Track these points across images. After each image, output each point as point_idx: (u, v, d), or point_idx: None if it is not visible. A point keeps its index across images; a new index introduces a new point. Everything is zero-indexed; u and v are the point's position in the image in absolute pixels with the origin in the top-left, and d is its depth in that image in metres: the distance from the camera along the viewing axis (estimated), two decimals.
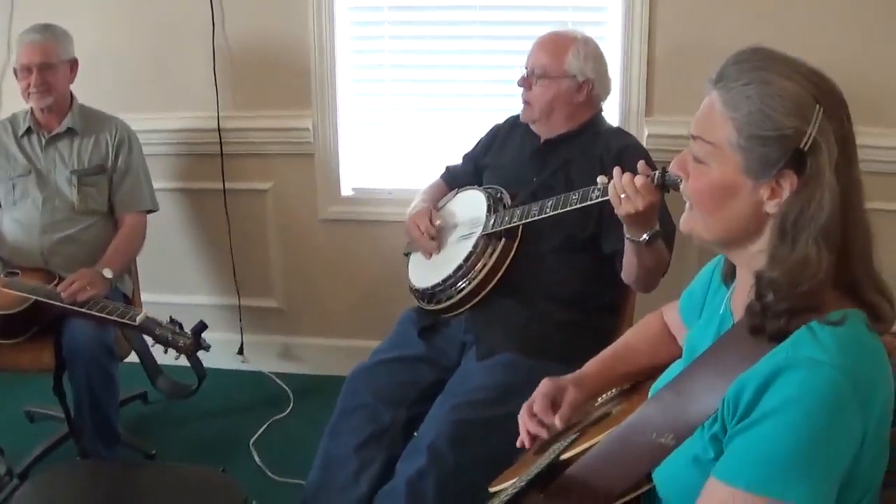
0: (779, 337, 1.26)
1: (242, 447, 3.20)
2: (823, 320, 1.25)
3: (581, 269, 2.55)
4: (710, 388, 1.34)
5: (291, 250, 3.65)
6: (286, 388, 3.62)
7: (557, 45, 2.60)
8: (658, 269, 2.36)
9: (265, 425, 3.34)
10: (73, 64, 2.98)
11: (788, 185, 1.27)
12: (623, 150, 2.55)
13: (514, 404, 2.30)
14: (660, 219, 2.21)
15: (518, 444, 1.73)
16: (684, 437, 1.37)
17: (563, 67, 2.57)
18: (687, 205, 1.41)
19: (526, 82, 2.62)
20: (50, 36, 2.88)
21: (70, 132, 2.99)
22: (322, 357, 3.73)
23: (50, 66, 2.89)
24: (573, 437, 1.66)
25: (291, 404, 3.51)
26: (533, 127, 2.67)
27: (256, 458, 3.12)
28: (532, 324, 2.49)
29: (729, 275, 1.50)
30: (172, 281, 3.56)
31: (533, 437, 1.72)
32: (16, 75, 2.95)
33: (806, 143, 1.25)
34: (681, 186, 1.41)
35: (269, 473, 3.03)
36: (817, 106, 1.26)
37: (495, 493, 1.70)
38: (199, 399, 3.08)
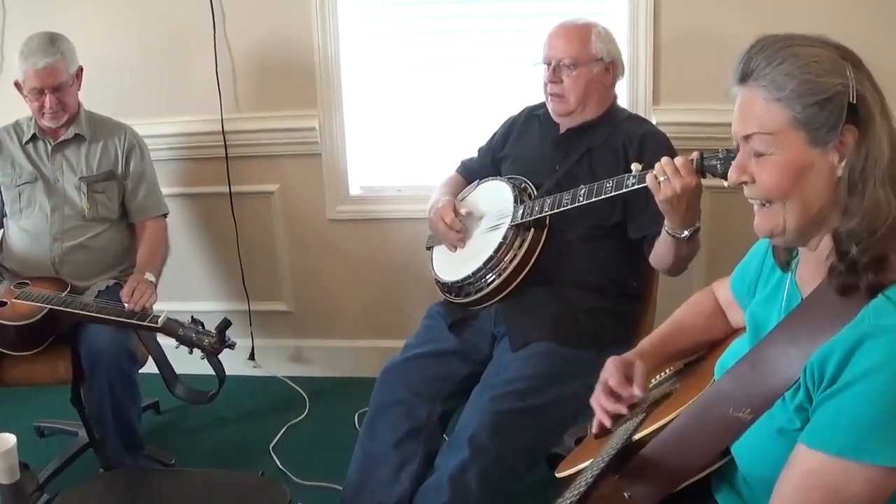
0: (873, 290, 1.28)
1: (262, 453, 3.15)
2: None
3: (608, 256, 2.55)
4: (787, 360, 1.36)
5: (300, 252, 3.61)
6: (301, 391, 3.58)
7: (579, 31, 2.59)
8: (691, 258, 2.38)
9: (283, 430, 3.29)
10: (80, 73, 2.91)
11: (852, 139, 1.30)
12: (645, 137, 2.56)
13: (552, 393, 2.34)
14: None
15: (594, 430, 1.71)
16: (762, 410, 1.38)
17: (592, 52, 2.56)
18: (756, 208, 1.41)
19: (556, 76, 2.58)
20: (57, 53, 2.78)
21: (77, 138, 2.93)
22: (334, 359, 3.69)
23: (63, 86, 2.82)
24: (640, 417, 1.65)
25: (307, 407, 3.46)
26: (565, 119, 2.64)
27: (278, 463, 3.08)
28: (563, 312, 2.48)
29: (784, 262, 1.52)
30: (180, 288, 3.49)
31: (613, 418, 1.70)
32: (18, 88, 2.86)
33: (853, 95, 1.29)
34: (746, 191, 1.41)
35: (294, 477, 2.98)
36: (845, 62, 1.31)
37: (564, 478, 1.68)
38: (213, 406, 3.05)
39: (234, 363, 3.51)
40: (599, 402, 1.72)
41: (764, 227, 1.40)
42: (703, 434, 1.47)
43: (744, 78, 1.35)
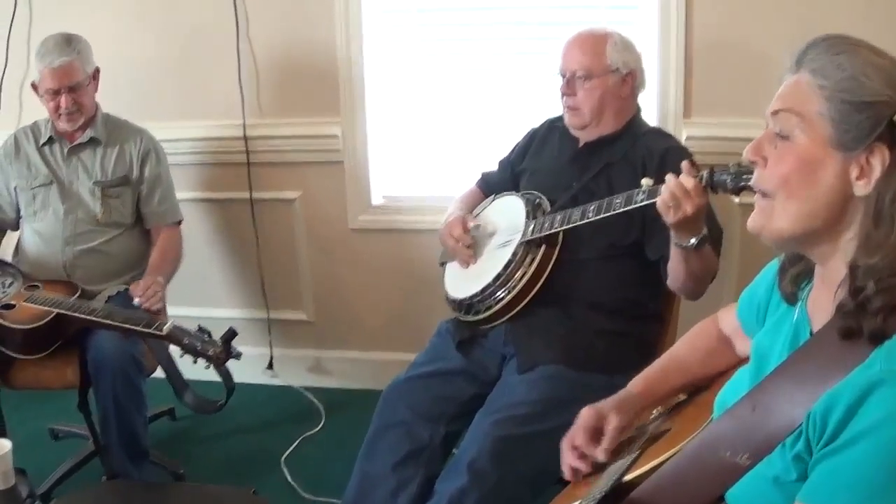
0: (876, 338, 1.16)
1: (273, 465, 3.10)
2: None
3: (624, 277, 2.44)
4: (790, 403, 1.24)
5: (321, 261, 3.56)
6: (317, 402, 3.52)
7: (594, 42, 2.50)
8: (706, 276, 2.26)
9: (296, 442, 3.24)
10: (96, 73, 2.89)
11: (880, 161, 1.18)
12: (666, 153, 2.45)
13: (558, 419, 2.20)
14: (706, 223, 2.13)
15: (567, 476, 1.62)
16: (761, 455, 1.27)
17: (606, 63, 2.46)
18: (756, 199, 1.31)
19: (570, 88, 2.50)
20: (73, 52, 2.77)
21: (93, 142, 2.91)
22: (354, 371, 3.63)
23: (79, 86, 2.80)
24: (634, 455, 1.55)
25: (323, 420, 3.41)
26: (581, 132, 2.55)
27: (288, 476, 3.03)
28: (575, 334, 2.38)
29: (790, 293, 1.40)
30: (199, 294, 3.48)
31: (576, 471, 1.62)
32: (35, 90, 2.85)
33: None
34: (753, 177, 1.31)
35: (302, 492, 2.93)
36: None
37: None
38: (228, 415, 3.01)
39: (253, 372, 3.50)
40: (564, 455, 1.64)
41: (757, 220, 1.30)
42: (697, 479, 1.36)
43: (798, 62, 1.26)
